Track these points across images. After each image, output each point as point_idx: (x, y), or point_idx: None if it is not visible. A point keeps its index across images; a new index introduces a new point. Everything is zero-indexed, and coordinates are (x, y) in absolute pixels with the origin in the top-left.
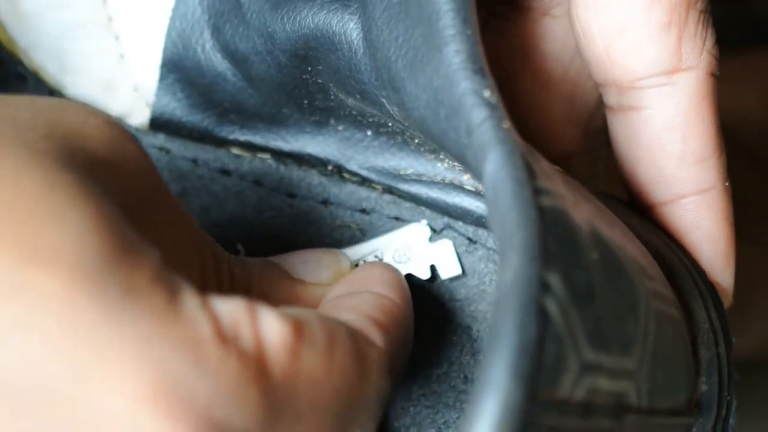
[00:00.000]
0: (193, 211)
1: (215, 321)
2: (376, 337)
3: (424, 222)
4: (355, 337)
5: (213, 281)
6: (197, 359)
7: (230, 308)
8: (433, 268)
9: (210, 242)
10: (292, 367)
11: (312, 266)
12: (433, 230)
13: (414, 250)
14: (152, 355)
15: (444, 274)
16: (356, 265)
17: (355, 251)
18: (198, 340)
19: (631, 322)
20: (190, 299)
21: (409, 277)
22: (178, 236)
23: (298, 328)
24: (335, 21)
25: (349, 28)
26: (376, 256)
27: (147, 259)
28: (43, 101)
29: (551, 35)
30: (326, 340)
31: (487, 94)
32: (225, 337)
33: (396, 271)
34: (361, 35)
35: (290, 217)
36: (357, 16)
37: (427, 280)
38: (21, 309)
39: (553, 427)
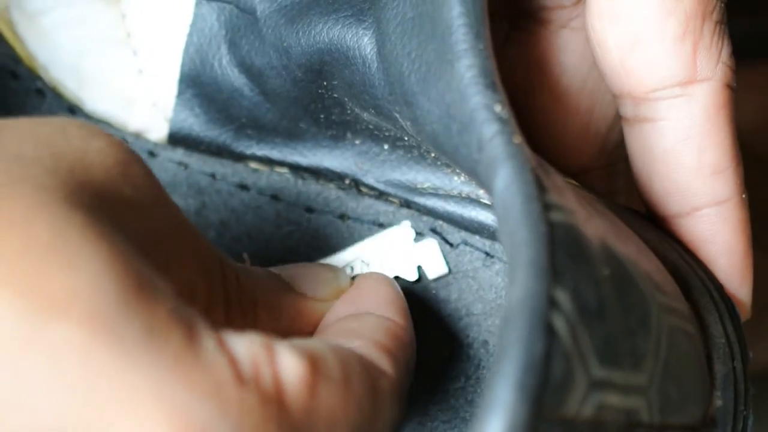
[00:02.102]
0: (212, 225)
1: (234, 362)
2: (385, 364)
3: (408, 223)
4: (367, 368)
5: (221, 293)
6: (219, 403)
7: (248, 347)
8: (419, 269)
9: (218, 253)
10: (310, 403)
11: (313, 281)
12: (418, 233)
13: (400, 252)
14: (174, 400)
15: (431, 274)
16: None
17: (343, 256)
18: (218, 383)
19: (641, 337)
20: (207, 339)
21: (423, 292)
22: (187, 250)
23: (315, 364)
24: (349, 36)
25: (363, 42)
26: (362, 261)
27: (162, 296)
28: (44, 126)
29: (570, 48)
30: (342, 375)
31: (498, 108)
32: (244, 379)
33: (394, 285)
34: (375, 50)
35: (308, 231)
36: (371, 31)
37: (415, 281)
38: (43, 363)
39: None
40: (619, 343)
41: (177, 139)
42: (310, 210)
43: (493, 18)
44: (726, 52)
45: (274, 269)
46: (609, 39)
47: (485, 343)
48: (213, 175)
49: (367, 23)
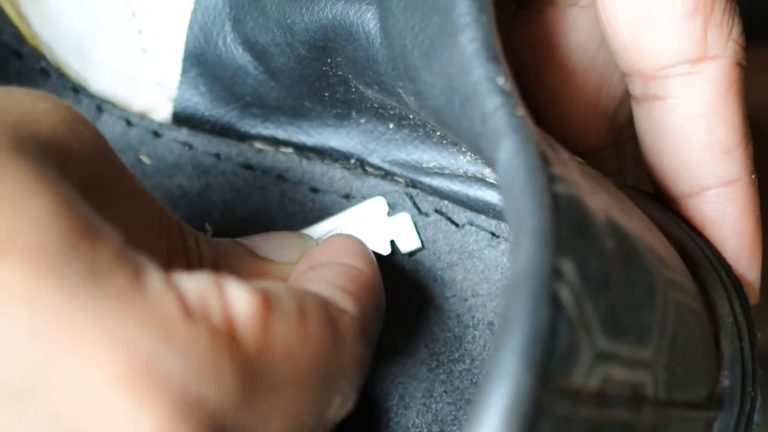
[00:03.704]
0: (216, 205)
1: (181, 297)
2: (347, 304)
3: (381, 198)
4: (326, 305)
5: (181, 259)
6: (167, 337)
7: (197, 283)
8: (392, 244)
9: (176, 220)
10: (264, 337)
11: (278, 246)
12: (390, 207)
13: (373, 226)
14: (121, 336)
15: (404, 248)
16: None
17: (315, 230)
18: (166, 318)
19: (647, 311)
20: (154, 277)
21: (428, 273)
22: (141, 214)
23: (267, 299)
24: (352, 11)
25: (366, 18)
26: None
27: (108, 240)
28: None
29: (578, 26)
30: (297, 310)
31: (501, 81)
32: (192, 313)
33: (358, 240)
34: (378, 25)
35: (313, 211)
36: (374, 6)
37: (388, 255)
38: None
39: (566, 417)
40: (624, 316)
41: (181, 118)
42: (314, 190)
43: None
44: (737, 29)
45: (241, 239)
46: (619, 16)
47: (491, 324)
48: (218, 155)
49: None
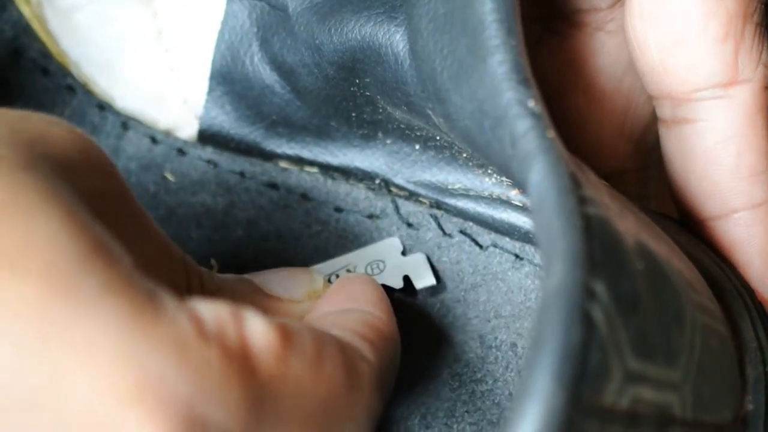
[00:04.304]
0: (240, 224)
1: (196, 320)
2: (365, 351)
3: (397, 238)
4: (344, 350)
5: (183, 291)
6: (178, 355)
7: (214, 309)
8: (406, 279)
9: (180, 255)
10: (278, 370)
11: (285, 283)
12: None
13: (387, 262)
14: (132, 352)
15: (419, 284)
16: (329, 281)
17: (329, 265)
18: (178, 337)
19: (676, 333)
20: (167, 298)
21: (451, 294)
22: (146, 246)
23: (286, 335)
24: (381, 33)
25: (395, 39)
26: (348, 270)
27: (121, 260)
28: (8, 112)
29: (604, 50)
30: (315, 350)
31: (531, 104)
32: (207, 335)
33: (377, 285)
34: (407, 47)
35: (337, 230)
36: (403, 28)
37: (402, 290)
38: None
39: None
40: (654, 338)
41: (207, 136)
42: (339, 210)
43: (525, 21)
44: (766, 54)
45: (247, 275)
46: (650, 39)
47: (514, 345)
48: (242, 174)
49: (398, 20)
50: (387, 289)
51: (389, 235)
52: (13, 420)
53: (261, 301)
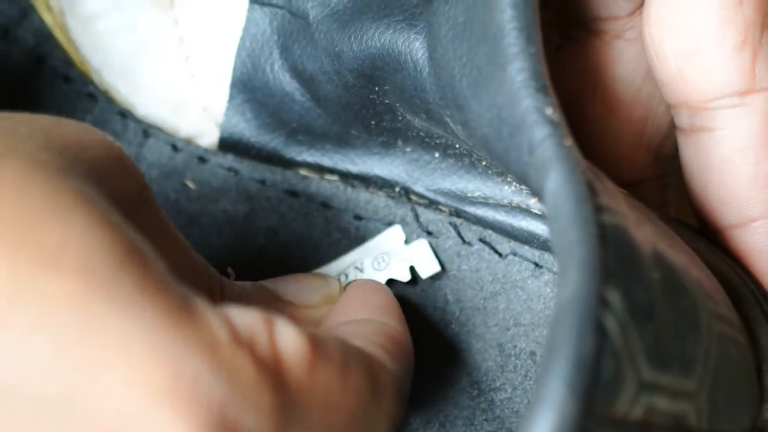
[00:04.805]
0: (261, 231)
1: (230, 324)
2: (387, 361)
3: (398, 226)
4: (368, 360)
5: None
6: (213, 358)
7: (246, 316)
8: (412, 270)
9: (203, 263)
10: (308, 379)
11: (301, 289)
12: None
13: (392, 255)
14: (167, 352)
15: (424, 273)
16: (338, 280)
17: (336, 265)
18: (213, 340)
19: (691, 342)
20: (201, 302)
21: (470, 302)
22: (173, 253)
23: (316, 344)
24: (401, 40)
25: (414, 47)
26: (356, 267)
27: (156, 263)
28: (41, 117)
29: (623, 58)
30: (342, 359)
31: (549, 111)
32: (241, 341)
33: (389, 292)
34: (426, 54)
35: (356, 238)
36: (422, 36)
37: (409, 282)
38: (32, 312)
39: None
40: (669, 347)
41: (227, 144)
42: (359, 218)
43: (544, 28)
44: None
45: (264, 282)
46: (667, 48)
47: (533, 354)
48: (263, 182)
49: (418, 28)
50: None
51: (408, 242)
52: (48, 413)
53: (278, 308)
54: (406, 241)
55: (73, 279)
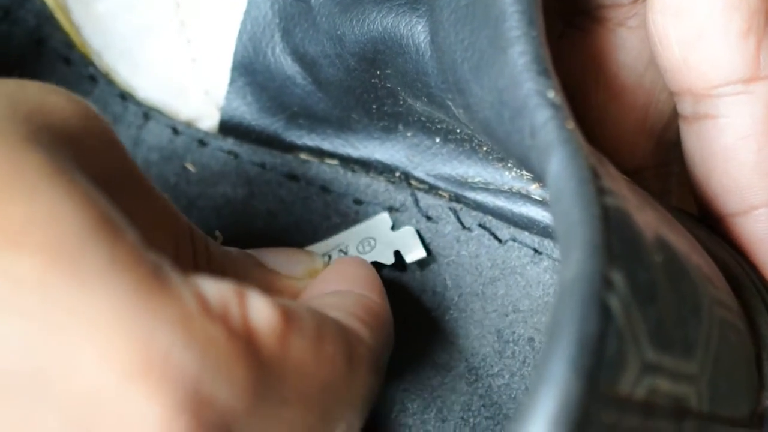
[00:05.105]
0: (260, 215)
1: (201, 296)
2: (363, 333)
3: (386, 214)
4: (344, 332)
5: (189, 260)
6: (184, 332)
7: (217, 288)
8: (397, 254)
9: (185, 222)
10: (281, 351)
11: (286, 260)
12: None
13: (378, 239)
14: (137, 327)
15: (409, 258)
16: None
17: (321, 246)
18: (184, 314)
19: (693, 325)
20: (173, 274)
21: (469, 288)
22: (151, 213)
23: (288, 316)
24: (403, 24)
25: (416, 31)
26: (341, 250)
27: (127, 233)
28: (5, 83)
29: (626, 46)
30: (315, 331)
31: (551, 94)
32: (212, 313)
33: (370, 267)
34: (428, 38)
35: (356, 223)
36: (424, 19)
37: (394, 266)
38: None
39: (612, 426)
40: (671, 329)
41: (228, 127)
42: (358, 202)
43: (547, 16)
44: None
45: (250, 250)
46: (671, 34)
47: (531, 340)
48: (263, 165)
49: (420, 11)
50: (378, 266)
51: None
52: (21, 395)
53: (262, 275)
54: (393, 228)
55: (38, 257)
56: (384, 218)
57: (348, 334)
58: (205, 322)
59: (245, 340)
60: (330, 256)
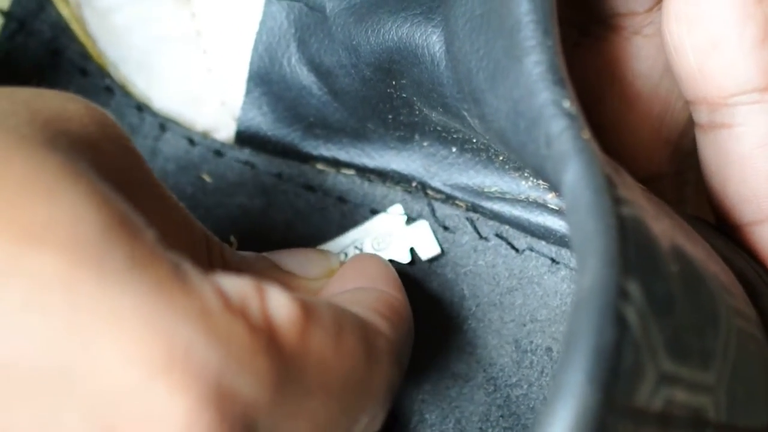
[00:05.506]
0: (277, 226)
1: (221, 293)
2: (383, 327)
3: (399, 207)
4: (363, 325)
5: (204, 265)
6: (206, 327)
7: (237, 284)
8: (412, 251)
9: (201, 228)
10: (301, 344)
11: (302, 262)
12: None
13: (392, 235)
14: (160, 324)
15: (423, 255)
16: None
17: (336, 243)
18: (205, 309)
19: (710, 336)
20: (192, 271)
21: (487, 298)
22: (166, 219)
23: (308, 310)
24: (418, 34)
25: (431, 40)
26: (356, 247)
27: (145, 233)
28: (22, 91)
29: (642, 54)
30: (335, 324)
31: (566, 104)
32: (233, 309)
33: (387, 264)
34: (444, 48)
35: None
36: (439, 29)
37: (409, 263)
38: (20, 292)
39: None
40: (688, 340)
41: (244, 138)
42: (375, 212)
43: (562, 25)
44: None
45: (266, 254)
46: (686, 43)
47: (549, 350)
48: (279, 176)
49: (435, 21)
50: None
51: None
52: (44, 392)
53: (278, 277)
54: (407, 222)
55: (61, 256)
56: (398, 211)
57: (367, 327)
58: (226, 318)
59: (266, 334)
60: (346, 254)
